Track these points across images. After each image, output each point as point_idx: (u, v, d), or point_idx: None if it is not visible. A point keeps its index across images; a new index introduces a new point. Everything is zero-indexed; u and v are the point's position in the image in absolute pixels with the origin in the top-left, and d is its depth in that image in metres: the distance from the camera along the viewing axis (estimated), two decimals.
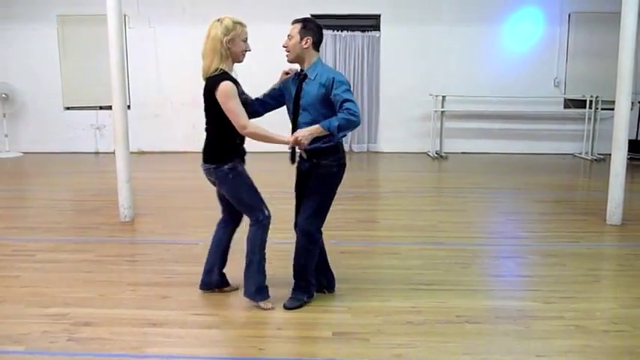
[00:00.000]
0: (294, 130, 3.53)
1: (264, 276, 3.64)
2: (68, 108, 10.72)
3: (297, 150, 3.53)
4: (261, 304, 3.62)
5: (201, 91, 3.46)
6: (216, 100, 3.38)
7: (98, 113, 10.65)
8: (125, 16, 9.43)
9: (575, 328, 3.37)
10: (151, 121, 10.49)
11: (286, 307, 3.63)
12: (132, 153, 5.99)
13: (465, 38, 10.39)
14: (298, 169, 3.68)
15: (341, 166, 3.59)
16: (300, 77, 3.54)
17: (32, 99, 10.55)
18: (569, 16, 10.40)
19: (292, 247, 3.64)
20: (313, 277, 3.74)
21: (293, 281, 3.72)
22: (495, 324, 3.45)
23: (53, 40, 10.44)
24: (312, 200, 3.57)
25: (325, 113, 3.44)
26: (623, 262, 4.69)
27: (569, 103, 10.57)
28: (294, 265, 3.70)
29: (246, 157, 3.64)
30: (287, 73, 3.69)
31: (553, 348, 3.14)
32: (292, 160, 3.63)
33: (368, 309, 3.63)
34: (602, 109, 9.98)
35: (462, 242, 5.10)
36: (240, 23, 3.44)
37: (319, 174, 3.54)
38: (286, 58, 3.58)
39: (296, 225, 3.68)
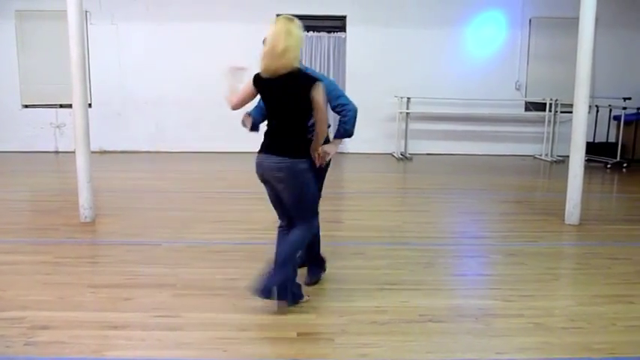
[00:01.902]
0: None
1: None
2: (27, 106, 10.45)
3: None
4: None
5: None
6: (307, 96, 3.32)
7: (58, 111, 10.42)
8: (86, 12, 9.25)
9: (535, 325, 3.44)
10: (112, 120, 10.31)
11: (307, 284, 3.88)
12: (93, 152, 5.86)
13: (430, 41, 10.54)
14: None
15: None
16: None
17: None
18: (529, 20, 10.65)
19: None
20: (319, 249, 4.02)
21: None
22: (457, 322, 3.50)
23: (11, 35, 10.18)
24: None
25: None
26: (580, 261, 4.81)
27: (530, 106, 10.82)
28: (307, 253, 3.96)
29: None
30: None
31: (513, 345, 3.20)
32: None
33: (332, 309, 3.63)
34: (561, 112, 10.24)
35: (426, 242, 5.16)
36: None
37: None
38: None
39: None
